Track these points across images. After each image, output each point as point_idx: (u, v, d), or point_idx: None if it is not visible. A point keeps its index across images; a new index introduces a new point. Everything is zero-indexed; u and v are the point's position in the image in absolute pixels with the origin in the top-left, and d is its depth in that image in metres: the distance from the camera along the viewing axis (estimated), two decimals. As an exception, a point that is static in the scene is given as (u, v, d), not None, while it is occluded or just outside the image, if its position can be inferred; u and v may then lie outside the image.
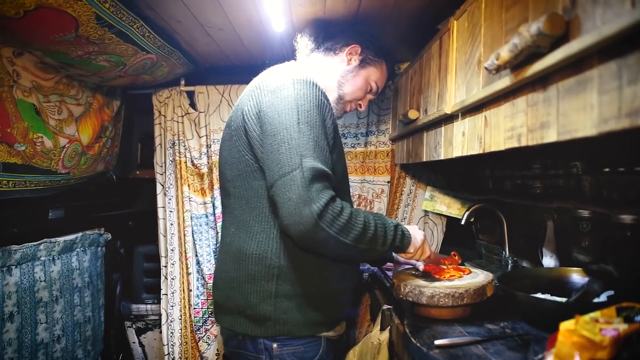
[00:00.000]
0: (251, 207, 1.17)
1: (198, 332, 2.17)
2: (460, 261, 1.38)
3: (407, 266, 1.43)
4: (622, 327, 0.65)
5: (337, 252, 1.11)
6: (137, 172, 2.45)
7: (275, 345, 1.15)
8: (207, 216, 2.17)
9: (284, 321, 1.14)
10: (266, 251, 1.15)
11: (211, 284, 2.06)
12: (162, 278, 2.20)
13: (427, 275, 1.30)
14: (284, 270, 1.14)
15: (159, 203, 2.20)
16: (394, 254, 1.41)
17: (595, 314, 0.72)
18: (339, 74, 1.43)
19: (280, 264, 1.14)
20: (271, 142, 1.06)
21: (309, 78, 1.14)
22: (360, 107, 1.53)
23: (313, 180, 1.00)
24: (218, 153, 1.63)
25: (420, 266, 1.31)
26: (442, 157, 1.30)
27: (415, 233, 1.22)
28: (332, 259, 1.18)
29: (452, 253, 1.39)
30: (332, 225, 1.01)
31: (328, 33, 1.49)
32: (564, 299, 1.12)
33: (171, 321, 2.17)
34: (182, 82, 2.17)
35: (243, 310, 1.17)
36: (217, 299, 1.28)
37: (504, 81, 0.83)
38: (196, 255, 2.16)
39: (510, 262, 1.66)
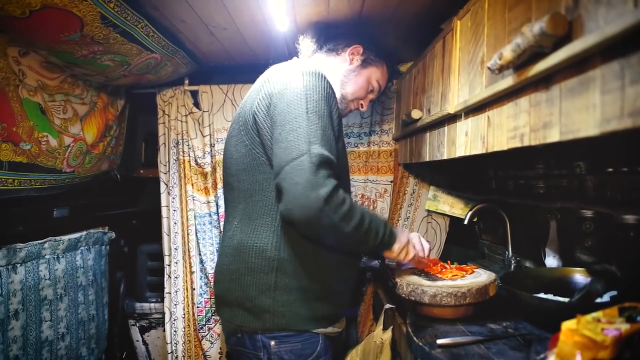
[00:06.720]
0: (255, 201, 1.19)
1: (201, 331, 2.18)
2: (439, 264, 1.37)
3: (409, 265, 1.43)
4: (624, 327, 0.65)
5: (334, 240, 1.11)
6: (141, 171, 2.46)
7: (273, 342, 1.16)
8: (210, 215, 2.18)
9: (282, 314, 1.15)
10: (267, 244, 1.16)
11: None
12: (166, 277, 2.21)
13: (430, 275, 1.30)
14: (283, 263, 1.15)
15: (163, 202, 2.21)
16: None
17: (598, 314, 0.72)
18: (341, 73, 1.45)
19: (280, 256, 1.15)
20: (280, 131, 1.08)
21: (317, 70, 1.16)
22: (362, 107, 1.54)
23: (320, 165, 1.01)
24: (221, 152, 1.63)
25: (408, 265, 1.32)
26: (445, 157, 1.30)
27: (401, 234, 1.21)
28: (332, 255, 1.19)
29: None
30: (337, 211, 1.01)
31: (329, 35, 1.51)
32: (566, 299, 1.12)
33: (174, 320, 2.18)
34: (186, 82, 2.18)
35: (242, 302, 1.18)
36: (217, 292, 1.29)
37: (507, 81, 0.83)
38: (199, 254, 2.17)
39: (513, 262, 1.66)
